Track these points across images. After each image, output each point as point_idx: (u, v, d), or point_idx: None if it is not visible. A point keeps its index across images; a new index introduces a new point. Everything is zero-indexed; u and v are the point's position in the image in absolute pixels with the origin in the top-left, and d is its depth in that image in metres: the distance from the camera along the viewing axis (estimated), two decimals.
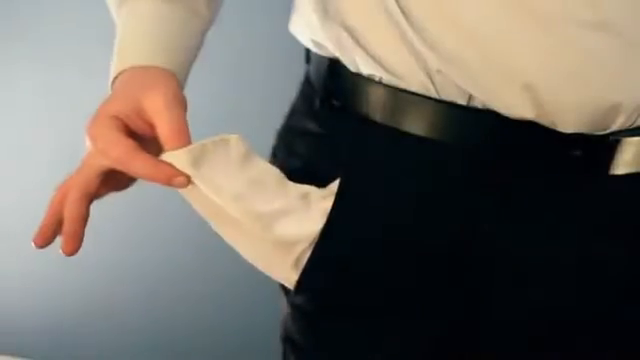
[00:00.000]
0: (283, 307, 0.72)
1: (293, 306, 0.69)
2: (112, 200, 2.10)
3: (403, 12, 0.62)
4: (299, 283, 0.67)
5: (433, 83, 0.62)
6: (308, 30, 0.70)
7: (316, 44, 0.70)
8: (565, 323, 0.67)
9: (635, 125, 0.64)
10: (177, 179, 0.61)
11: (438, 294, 0.65)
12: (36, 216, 1.95)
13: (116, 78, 0.69)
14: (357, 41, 0.65)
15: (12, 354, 2.05)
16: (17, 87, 1.91)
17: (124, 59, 0.69)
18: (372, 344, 0.68)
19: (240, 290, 1.87)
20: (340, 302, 0.67)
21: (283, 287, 0.71)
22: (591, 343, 0.68)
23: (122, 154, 0.61)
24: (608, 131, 0.62)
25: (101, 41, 1.82)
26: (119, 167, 0.62)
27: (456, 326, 0.66)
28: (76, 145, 1.94)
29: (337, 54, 0.67)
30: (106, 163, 0.63)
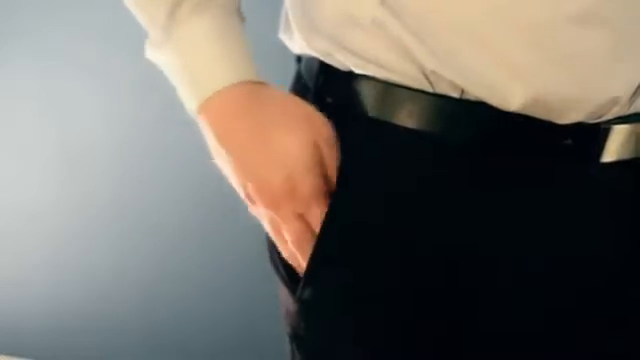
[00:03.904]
0: (288, 304, 0.72)
1: (301, 301, 0.69)
2: (111, 201, 2.10)
3: (393, 13, 0.62)
4: (307, 277, 0.67)
5: (427, 78, 0.63)
6: (296, 43, 0.71)
7: (304, 53, 0.70)
8: (566, 320, 0.67)
9: (629, 112, 0.64)
10: None
11: (438, 291, 0.65)
12: (36, 216, 1.95)
13: (202, 105, 0.66)
14: (345, 48, 0.65)
15: (12, 354, 2.05)
16: (17, 87, 1.91)
17: (208, 82, 0.65)
18: (381, 339, 0.67)
19: (239, 290, 1.87)
20: (348, 296, 0.67)
21: (288, 283, 0.71)
22: (591, 338, 0.68)
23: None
24: (602, 119, 0.63)
25: (102, 41, 1.83)
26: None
27: (455, 325, 0.66)
28: (76, 145, 1.95)
29: (326, 60, 0.67)
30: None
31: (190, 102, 0.67)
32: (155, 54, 0.70)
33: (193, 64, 0.67)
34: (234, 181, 0.66)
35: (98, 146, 1.90)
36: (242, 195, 0.66)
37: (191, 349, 1.95)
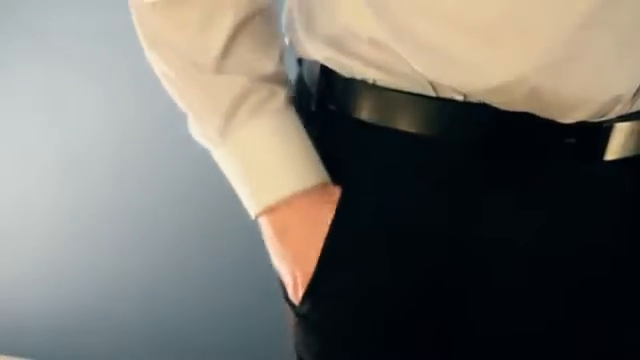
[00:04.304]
0: (289, 319, 0.72)
1: (299, 317, 0.69)
2: (112, 201, 2.10)
3: (393, 20, 0.62)
4: (306, 292, 0.67)
5: (431, 85, 0.63)
6: (297, 46, 0.71)
7: (306, 56, 0.70)
8: (567, 319, 0.67)
9: (631, 111, 0.64)
10: None
11: (440, 297, 0.65)
12: (36, 216, 1.95)
13: (262, 210, 0.68)
14: (347, 54, 0.65)
15: (12, 354, 2.05)
16: (17, 87, 1.91)
17: (268, 193, 0.67)
18: (381, 350, 0.68)
19: (239, 290, 1.87)
20: (346, 307, 0.67)
21: (288, 298, 0.71)
22: (593, 331, 0.69)
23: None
24: (605, 118, 0.63)
25: (102, 41, 1.82)
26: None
27: (457, 329, 0.66)
28: (76, 145, 1.95)
29: (328, 65, 0.67)
30: None
31: (249, 203, 0.69)
32: (205, 144, 0.70)
33: (252, 170, 0.68)
34: (282, 269, 0.69)
35: (99, 146, 1.90)
36: (287, 282, 0.69)
37: (191, 349, 1.95)
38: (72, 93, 1.88)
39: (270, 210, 0.67)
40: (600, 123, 0.63)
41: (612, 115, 0.63)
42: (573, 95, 0.61)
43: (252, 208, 0.68)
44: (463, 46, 0.61)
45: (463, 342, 0.66)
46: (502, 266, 0.65)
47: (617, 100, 0.62)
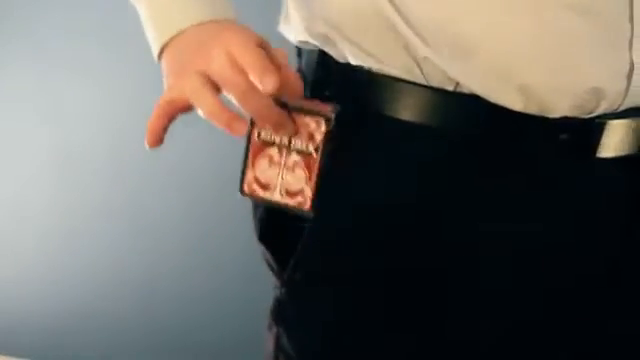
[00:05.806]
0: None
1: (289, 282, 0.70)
2: (107, 200, 2.10)
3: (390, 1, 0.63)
4: (297, 261, 0.68)
5: (421, 70, 0.63)
6: (295, 31, 0.71)
7: (304, 43, 0.71)
8: (561, 307, 0.68)
9: (621, 109, 0.65)
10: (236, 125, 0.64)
11: (433, 277, 0.66)
12: (32, 215, 1.94)
13: (166, 45, 0.67)
14: (344, 36, 0.66)
15: (9, 354, 2.05)
16: (13, 88, 1.91)
17: (175, 22, 0.66)
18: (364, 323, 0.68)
19: (235, 288, 1.87)
20: (337, 280, 0.68)
21: (278, 273, 0.72)
22: (582, 324, 0.69)
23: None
24: (594, 114, 0.64)
25: (99, 42, 1.82)
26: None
27: (445, 322, 0.67)
28: (73, 144, 1.95)
29: (325, 48, 0.68)
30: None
31: (155, 46, 0.68)
32: None
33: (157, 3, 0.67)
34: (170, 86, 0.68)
35: (94, 145, 1.90)
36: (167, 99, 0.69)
37: (188, 347, 1.95)
38: (68, 93, 1.88)
39: (167, 47, 0.67)
40: (591, 119, 0.64)
41: (600, 111, 0.64)
42: (554, 83, 0.62)
43: (156, 52, 0.68)
44: (446, 27, 0.62)
45: (454, 340, 0.67)
46: (494, 263, 0.65)
47: (597, 92, 0.62)
